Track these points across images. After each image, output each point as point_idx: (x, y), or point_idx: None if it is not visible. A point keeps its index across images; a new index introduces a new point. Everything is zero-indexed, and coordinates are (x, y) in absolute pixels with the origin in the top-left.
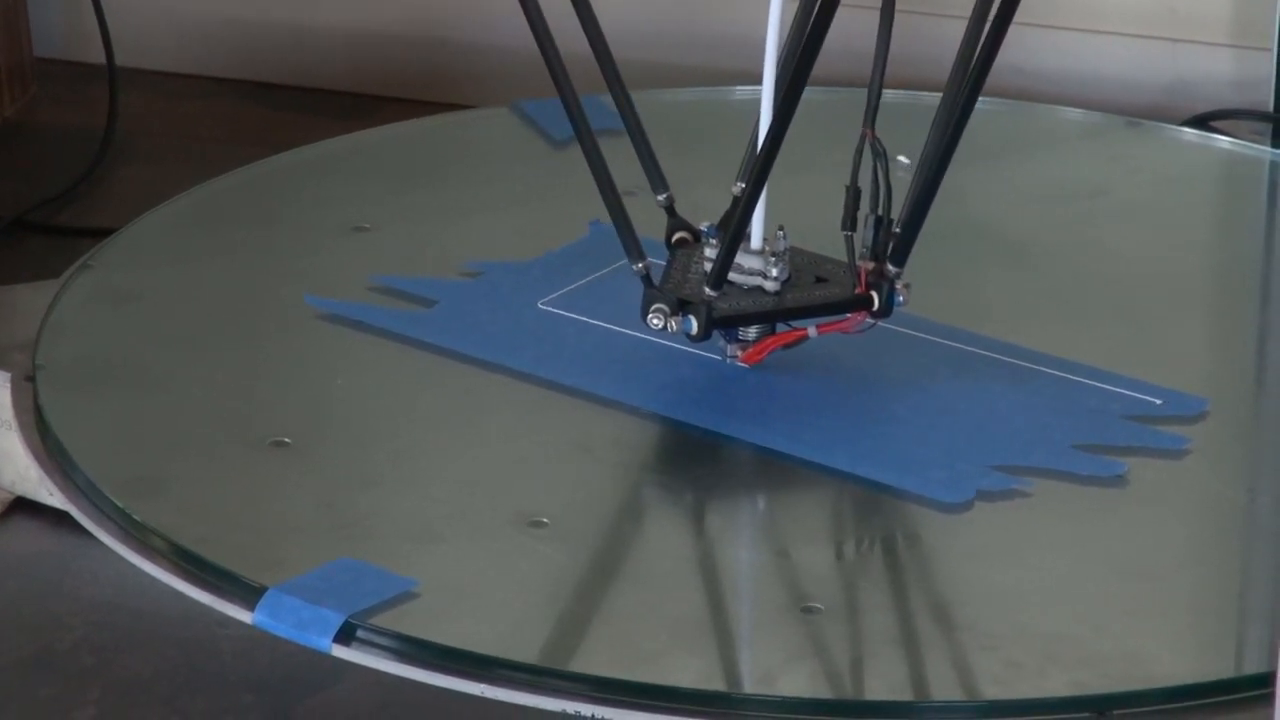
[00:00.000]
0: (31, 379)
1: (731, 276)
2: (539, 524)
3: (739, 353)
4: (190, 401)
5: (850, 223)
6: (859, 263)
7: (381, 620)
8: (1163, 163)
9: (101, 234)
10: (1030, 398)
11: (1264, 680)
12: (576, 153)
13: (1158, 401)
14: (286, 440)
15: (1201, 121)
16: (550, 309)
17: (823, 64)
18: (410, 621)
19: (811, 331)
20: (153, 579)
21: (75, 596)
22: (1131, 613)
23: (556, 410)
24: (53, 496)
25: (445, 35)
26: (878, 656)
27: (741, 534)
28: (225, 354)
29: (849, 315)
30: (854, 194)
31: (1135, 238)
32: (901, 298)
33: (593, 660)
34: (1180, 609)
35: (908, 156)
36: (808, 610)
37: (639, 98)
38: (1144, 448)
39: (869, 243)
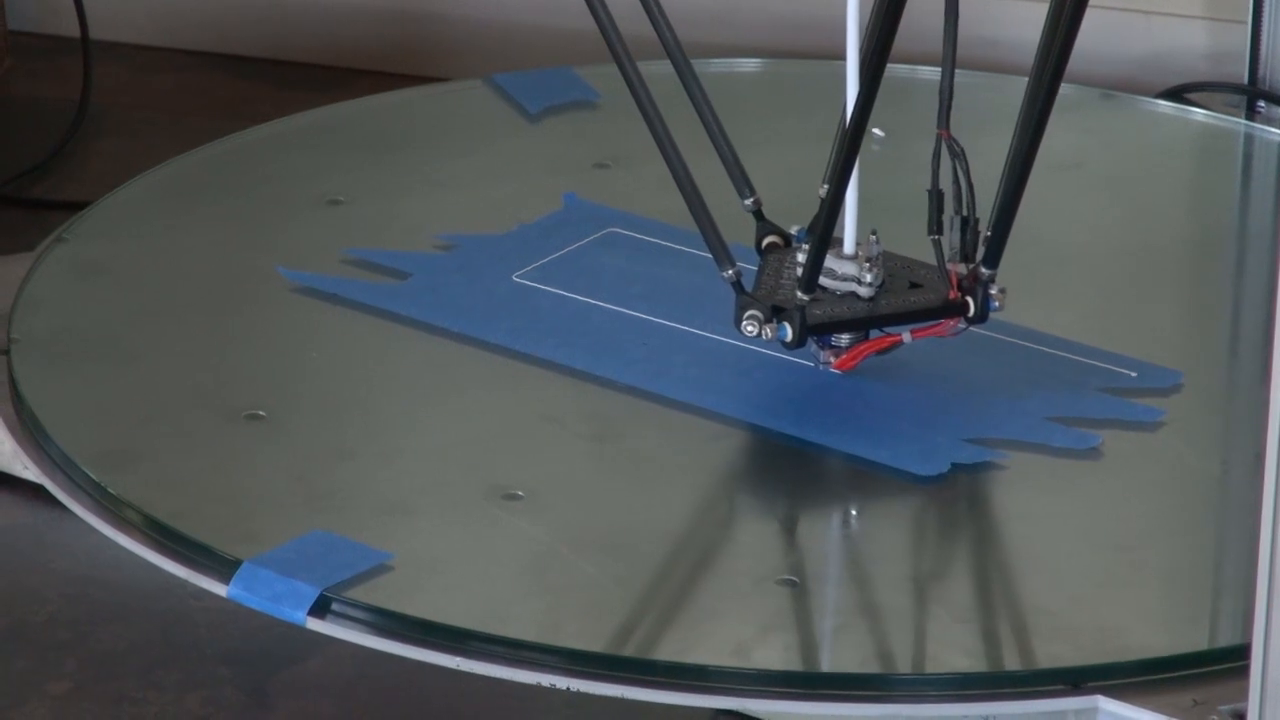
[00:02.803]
0: (6, 352)
1: (825, 282)
2: (514, 497)
3: (831, 359)
4: (165, 374)
5: (936, 226)
6: (951, 266)
7: (356, 593)
8: (1137, 135)
9: (76, 207)
10: (1005, 370)
11: (1238, 652)
12: (550, 126)
13: (1132, 374)
14: (261, 413)
15: (1176, 94)
16: (524, 282)
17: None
18: (385, 594)
19: (906, 337)
20: (128, 552)
21: (50, 570)
22: (1106, 585)
23: (530, 383)
24: (27, 470)
25: (419, 8)
26: (852, 629)
27: (717, 507)
28: (199, 327)
29: (943, 320)
30: (936, 197)
31: (1110, 210)
32: (997, 303)
33: (568, 633)
34: (1154, 581)
35: (881, 129)
36: (782, 582)
37: (610, 70)
38: (1118, 420)
39: (956, 245)
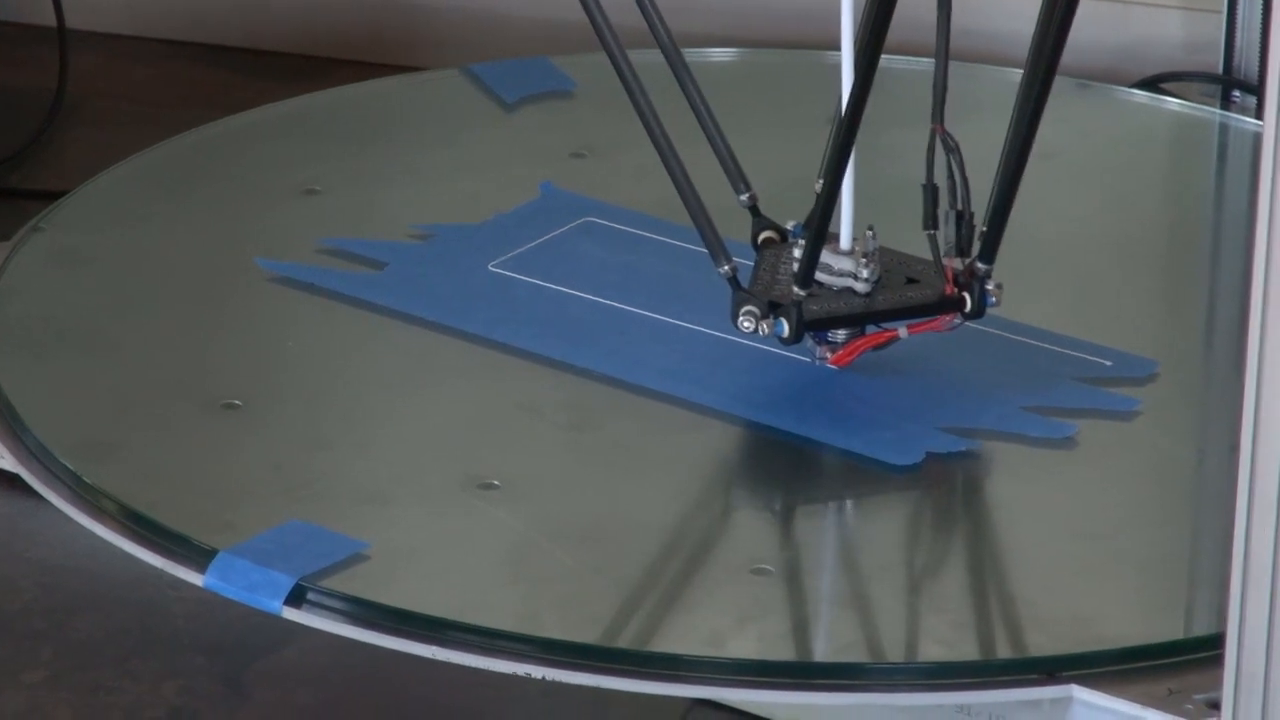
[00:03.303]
0: None
1: (822, 278)
2: (490, 486)
3: (828, 355)
4: (141, 364)
5: (931, 221)
6: (946, 261)
7: (332, 582)
8: (1113, 125)
9: (52, 196)
10: (980, 359)
11: (1213, 641)
12: (527, 115)
13: (1107, 363)
14: (237, 403)
15: (1151, 84)
16: (501, 271)
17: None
18: (361, 584)
19: (902, 332)
20: (104, 541)
21: (26, 559)
22: (1081, 574)
23: (507, 372)
24: (3, 459)
25: None
26: (827, 618)
27: (691, 496)
28: (176, 316)
29: (940, 315)
30: (931, 192)
31: (1085, 199)
32: (994, 299)
33: (543, 623)
34: (1130, 570)
35: None
36: (757, 572)
37: (586, 60)
38: (1094, 409)
39: (952, 239)
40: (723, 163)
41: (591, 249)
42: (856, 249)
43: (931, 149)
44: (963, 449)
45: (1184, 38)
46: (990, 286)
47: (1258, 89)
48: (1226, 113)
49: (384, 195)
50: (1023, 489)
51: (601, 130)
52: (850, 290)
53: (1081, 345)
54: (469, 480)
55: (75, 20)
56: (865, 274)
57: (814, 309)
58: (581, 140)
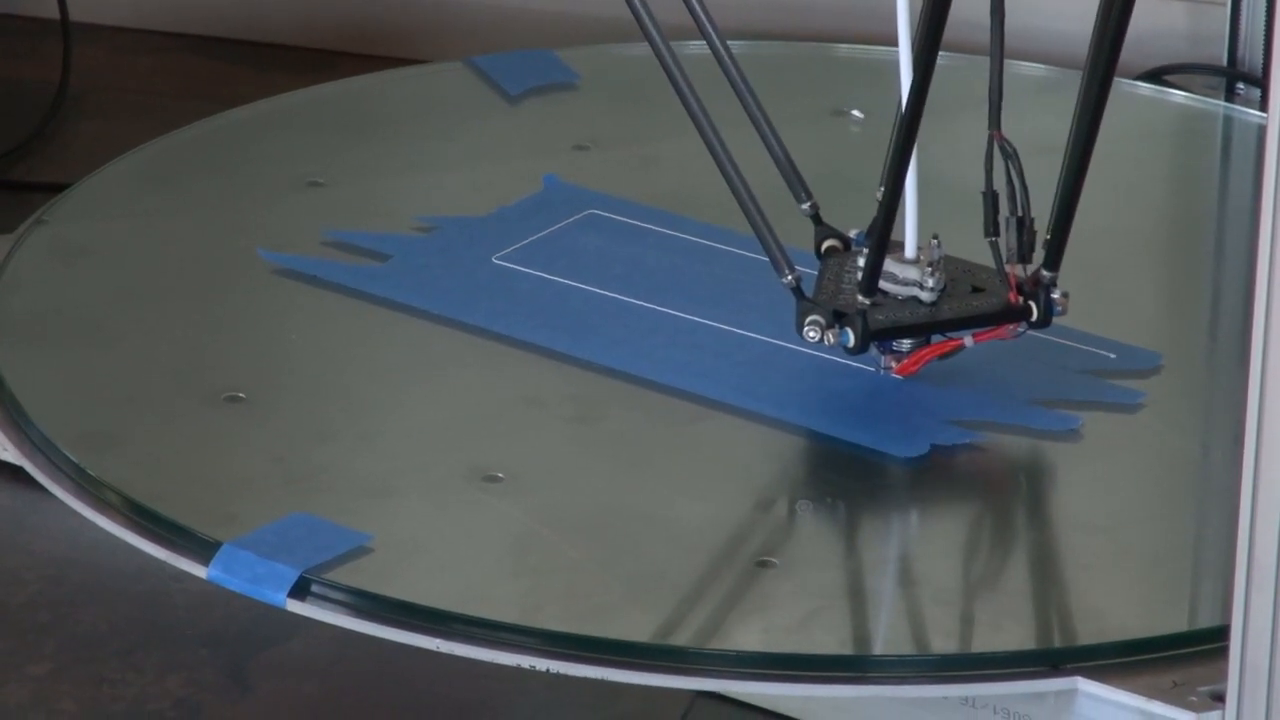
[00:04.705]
0: None
1: (887, 287)
2: (493, 479)
3: (893, 364)
4: (145, 356)
5: (993, 228)
6: (1009, 268)
7: (336, 575)
8: (1117, 117)
9: (56, 189)
10: (985, 352)
11: (1217, 634)
12: (530, 108)
13: (1112, 356)
14: (241, 395)
15: (1156, 76)
16: (505, 264)
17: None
18: (365, 576)
19: (968, 341)
20: (108, 534)
21: (30, 551)
22: (1086, 566)
23: (510, 365)
24: (7, 452)
25: None
26: (832, 611)
27: (696, 488)
28: (180, 309)
29: (1005, 323)
30: (991, 199)
31: (1089, 192)
32: (1060, 308)
33: (548, 615)
34: (1134, 563)
35: (861, 111)
36: (762, 564)
37: (590, 52)
38: (1098, 402)
39: (1013, 246)
40: (781, 169)
41: (595, 242)
42: (921, 258)
43: (990, 156)
44: (968, 441)
45: (1188, 30)
46: (1056, 295)
47: (1262, 81)
48: (1230, 105)
49: (387, 188)
50: (1027, 481)
51: (605, 123)
52: (915, 299)
53: (1086, 338)
54: (472, 472)
55: (79, 13)
56: (930, 283)
57: (879, 318)
58: (585, 133)
